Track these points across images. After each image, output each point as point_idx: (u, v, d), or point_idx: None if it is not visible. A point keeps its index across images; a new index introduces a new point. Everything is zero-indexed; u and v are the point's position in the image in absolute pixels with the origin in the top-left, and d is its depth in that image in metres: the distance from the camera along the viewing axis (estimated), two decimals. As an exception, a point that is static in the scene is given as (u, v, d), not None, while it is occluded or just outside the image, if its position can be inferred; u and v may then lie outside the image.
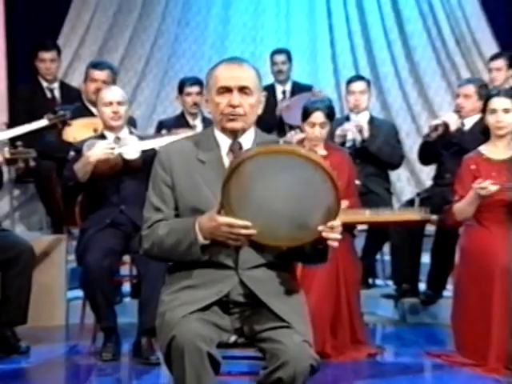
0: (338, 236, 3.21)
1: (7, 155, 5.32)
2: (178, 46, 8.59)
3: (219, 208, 3.21)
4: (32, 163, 5.49)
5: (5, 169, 5.49)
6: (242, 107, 3.39)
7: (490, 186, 5.14)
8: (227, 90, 3.39)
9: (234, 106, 3.38)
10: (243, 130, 3.44)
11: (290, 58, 7.98)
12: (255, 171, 3.17)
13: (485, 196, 5.16)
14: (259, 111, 3.49)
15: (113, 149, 5.40)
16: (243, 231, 3.17)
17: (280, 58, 7.94)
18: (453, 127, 6.49)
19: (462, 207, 5.34)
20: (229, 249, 3.33)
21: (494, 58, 7.46)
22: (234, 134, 3.44)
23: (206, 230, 3.26)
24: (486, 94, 6.26)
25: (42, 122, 5.73)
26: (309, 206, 3.23)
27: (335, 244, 3.23)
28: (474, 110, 6.42)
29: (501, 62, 7.28)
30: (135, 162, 5.44)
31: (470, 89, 6.58)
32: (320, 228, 3.19)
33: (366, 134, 6.73)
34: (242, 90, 3.39)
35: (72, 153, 5.60)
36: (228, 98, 3.39)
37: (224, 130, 3.45)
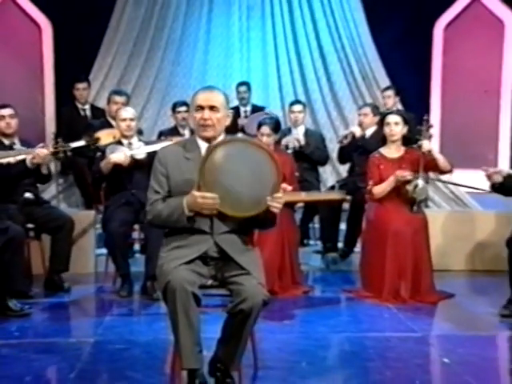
0: (280, 205, 3.29)
1: (51, 149, 5.27)
2: (172, 79, 8.48)
3: (197, 187, 3.25)
4: (69, 153, 5.50)
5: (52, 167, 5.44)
6: (211, 120, 3.39)
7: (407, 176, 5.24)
8: (201, 108, 3.40)
9: (205, 119, 3.38)
10: (214, 137, 3.42)
11: (249, 88, 7.93)
12: (221, 160, 3.27)
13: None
14: (227, 123, 3.51)
15: (127, 158, 5.42)
16: (211, 201, 3.22)
17: (243, 88, 7.89)
18: (357, 135, 6.58)
19: (384, 189, 5.34)
20: (206, 219, 3.33)
21: (386, 89, 7.47)
22: (207, 140, 3.42)
23: (189, 204, 3.27)
24: (378, 112, 6.37)
25: (81, 143, 5.66)
26: (260, 185, 3.30)
27: (276, 210, 3.30)
28: (371, 123, 6.52)
29: (390, 92, 7.29)
30: (142, 161, 5.42)
31: (367, 109, 6.69)
32: (268, 199, 3.27)
33: (303, 142, 6.74)
34: (212, 108, 3.40)
35: (98, 153, 5.59)
36: (201, 113, 3.40)
37: (201, 137, 3.46)
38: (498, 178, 4.92)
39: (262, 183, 3.30)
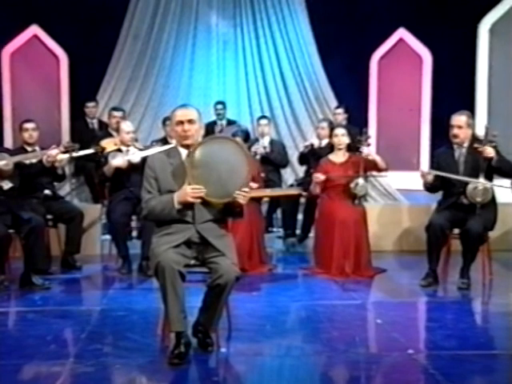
0: (245, 196, 3.31)
1: (62, 149, 5.20)
2: (163, 99, 8.38)
3: (188, 182, 3.25)
4: (77, 153, 5.45)
5: (66, 170, 5.39)
6: (190, 131, 3.37)
7: (320, 177, 5.25)
8: (181, 122, 3.38)
9: (185, 131, 3.36)
10: (193, 144, 3.39)
11: (225, 106, 7.87)
12: (201, 157, 3.27)
13: (318, 182, 5.28)
14: (202, 133, 3.52)
15: (125, 162, 5.39)
16: (197, 191, 3.23)
17: (219, 106, 7.82)
18: (316, 145, 6.55)
19: (313, 189, 5.40)
20: (190, 211, 3.32)
21: (337, 107, 7.49)
22: (187, 147, 3.40)
23: (180, 196, 3.26)
24: (332, 126, 6.35)
25: (90, 150, 5.64)
26: (233, 178, 3.31)
27: (242, 201, 3.31)
28: (326, 135, 6.44)
29: (340, 110, 7.31)
30: (137, 164, 5.37)
31: (324, 124, 6.65)
32: (236, 192, 3.28)
33: (268, 149, 6.67)
34: (189, 121, 3.37)
35: (103, 159, 5.53)
36: (182, 127, 3.37)
37: (182, 146, 3.43)
38: (430, 177, 4.96)
39: (236, 175, 3.30)
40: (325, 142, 6.49)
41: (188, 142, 3.39)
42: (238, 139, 5.58)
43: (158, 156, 3.53)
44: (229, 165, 3.31)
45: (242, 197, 3.30)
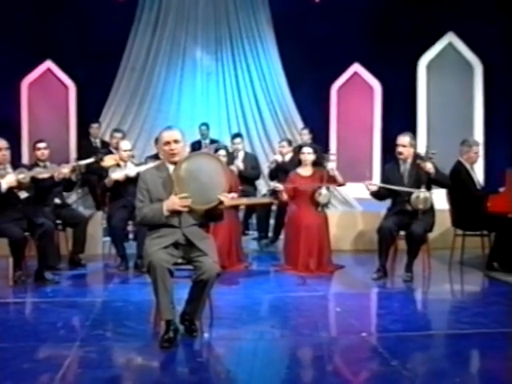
0: (228, 197, 3.32)
1: (71, 167, 5.17)
2: (155, 121, 8.27)
3: (174, 192, 3.25)
4: (83, 170, 5.44)
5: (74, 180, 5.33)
6: (176, 149, 3.37)
7: (280, 186, 5.32)
8: (168, 142, 3.37)
9: (172, 150, 3.36)
10: (179, 161, 3.37)
11: (208, 128, 7.87)
12: (185, 171, 3.27)
13: (283, 190, 5.30)
14: (187, 150, 3.50)
15: (123, 175, 5.37)
16: (184, 200, 3.23)
17: (203, 127, 7.83)
18: (279, 161, 6.57)
19: (283, 196, 5.39)
20: (176, 217, 3.30)
21: (303, 128, 7.53)
22: (174, 163, 3.39)
23: (168, 205, 3.26)
24: (291, 144, 6.45)
25: (92, 159, 5.54)
26: (213, 187, 3.31)
27: (227, 200, 3.30)
28: (287, 151, 6.53)
29: (306, 131, 7.35)
30: (133, 177, 5.32)
31: (284, 143, 6.74)
32: (219, 196, 3.29)
33: (242, 167, 6.51)
34: (175, 141, 3.37)
35: (104, 173, 5.51)
36: (169, 146, 3.37)
37: (169, 162, 3.42)
38: (373, 187, 5.01)
39: (215, 184, 3.30)
40: (287, 157, 6.55)
41: (175, 159, 3.39)
42: (222, 153, 5.62)
43: (149, 171, 3.53)
44: (209, 176, 3.32)
45: (226, 198, 3.31)
